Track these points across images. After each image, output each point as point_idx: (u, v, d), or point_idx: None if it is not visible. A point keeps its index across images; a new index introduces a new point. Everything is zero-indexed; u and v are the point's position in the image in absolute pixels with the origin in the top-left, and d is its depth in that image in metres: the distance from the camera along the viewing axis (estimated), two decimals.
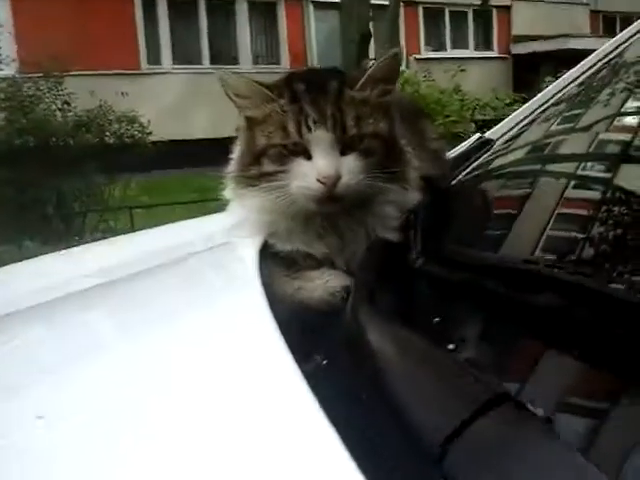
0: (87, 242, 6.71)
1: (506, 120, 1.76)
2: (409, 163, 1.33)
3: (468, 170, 1.55)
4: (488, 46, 18.66)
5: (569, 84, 1.65)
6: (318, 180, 1.18)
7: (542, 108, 1.64)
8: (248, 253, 1.25)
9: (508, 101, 12.49)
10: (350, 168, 1.20)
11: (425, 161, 1.37)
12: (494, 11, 17.77)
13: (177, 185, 9.66)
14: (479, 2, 14.39)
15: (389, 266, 1.19)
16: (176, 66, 13.89)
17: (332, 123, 1.20)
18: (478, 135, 1.76)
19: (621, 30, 1.98)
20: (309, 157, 1.20)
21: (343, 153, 1.21)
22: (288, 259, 1.28)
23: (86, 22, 12.32)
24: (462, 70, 13.05)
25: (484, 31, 18.50)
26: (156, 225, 1.78)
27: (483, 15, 17.15)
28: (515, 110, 1.90)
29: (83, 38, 11.93)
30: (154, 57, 13.98)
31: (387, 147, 1.27)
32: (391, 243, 1.26)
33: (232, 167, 1.36)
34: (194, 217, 1.65)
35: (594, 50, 1.81)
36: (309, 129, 1.20)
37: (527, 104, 1.76)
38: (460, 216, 1.36)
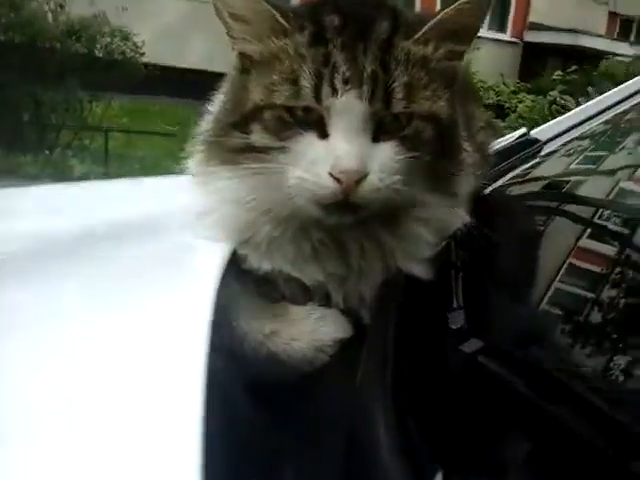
0: (57, 156, 6.52)
1: (554, 121, 1.58)
2: (466, 168, 0.94)
3: (515, 175, 1.31)
4: (502, 28, 18.26)
5: (626, 98, 1.49)
6: (332, 175, 0.80)
7: (599, 119, 1.48)
8: (206, 264, 0.85)
9: (513, 88, 12.25)
10: (383, 162, 0.81)
11: (473, 160, 0.99)
12: None
13: (161, 113, 9.33)
14: None
15: (417, 326, 0.83)
16: None
17: (370, 88, 0.80)
18: (522, 131, 1.52)
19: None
20: (324, 134, 0.81)
21: (377, 138, 0.82)
22: (263, 281, 0.90)
23: None
24: (477, 48, 12.73)
25: (501, 12, 18.07)
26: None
27: None
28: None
29: None
30: None
31: (442, 140, 0.87)
32: (419, 283, 0.89)
33: (206, 126, 0.95)
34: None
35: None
36: (333, 91, 0.80)
37: (578, 109, 1.61)
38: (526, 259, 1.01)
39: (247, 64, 0.88)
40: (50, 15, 7.64)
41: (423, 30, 0.85)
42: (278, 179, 0.83)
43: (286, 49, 0.83)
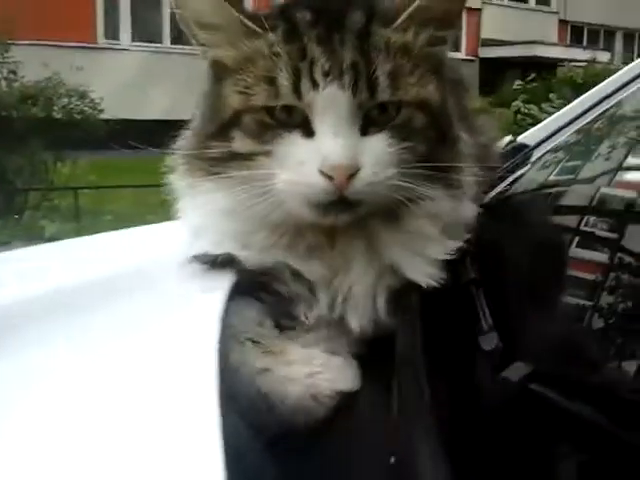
0: (27, 219, 6.43)
1: (541, 125, 1.53)
2: (466, 157, 0.88)
3: (510, 182, 1.27)
4: (456, 47, 18.58)
5: (610, 94, 1.44)
6: (322, 172, 0.75)
7: (585, 119, 1.43)
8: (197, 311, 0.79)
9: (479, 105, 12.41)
10: (376, 155, 0.77)
11: (474, 152, 0.92)
12: (464, 13, 17.68)
13: (128, 166, 9.28)
14: None
15: (445, 346, 0.76)
16: (135, 43, 13.39)
17: (353, 78, 0.76)
18: (509, 138, 1.48)
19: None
20: (310, 133, 0.77)
21: (365, 131, 0.78)
22: (265, 290, 0.83)
23: None
24: None
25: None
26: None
27: None
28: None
29: (38, 7, 11.40)
30: (112, 32, 13.43)
31: (436, 127, 0.83)
32: (435, 296, 0.81)
33: (185, 141, 0.90)
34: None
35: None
36: (314, 85, 0.76)
37: (563, 110, 1.55)
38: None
39: (221, 72, 0.84)
40: (3, 83, 7.61)
41: (402, 17, 0.81)
42: (266, 185, 0.78)
43: (260, 50, 0.80)
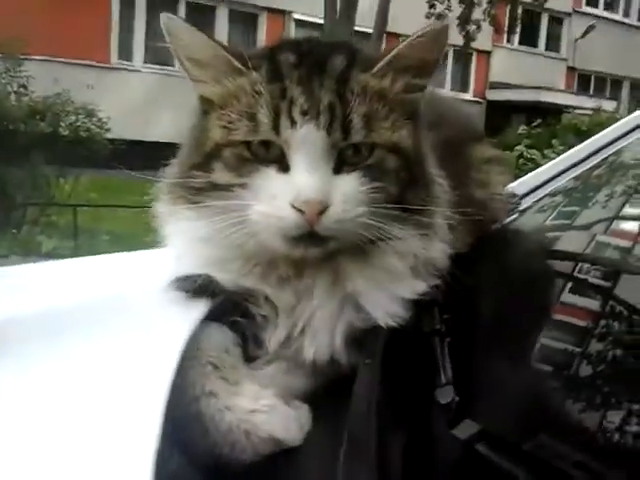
0: (25, 234, 6.43)
1: (529, 176, 1.57)
2: (439, 200, 0.91)
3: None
4: (464, 88, 18.76)
5: (598, 150, 1.49)
6: (294, 206, 0.78)
7: (574, 172, 1.47)
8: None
9: None
10: (347, 194, 0.80)
11: (450, 197, 0.94)
12: (474, 54, 17.87)
13: (129, 187, 9.32)
14: (461, 43, 14.41)
15: (402, 392, 0.76)
16: (147, 65, 13.52)
17: (328, 119, 0.80)
18: None
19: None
20: (285, 168, 0.81)
21: (339, 169, 0.81)
22: (238, 312, 0.85)
23: (60, 8, 11.93)
24: None
25: (462, 72, 18.60)
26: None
27: (463, 56, 17.23)
28: None
29: (54, 24, 11.55)
30: (126, 53, 13.58)
31: (408, 170, 0.86)
32: (398, 342, 0.82)
33: (171, 169, 0.94)
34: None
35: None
36: (292, 123, 0.79)
37: (551, 162, 1.59)
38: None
39: (207, 106, 0.88)
40: (13, 96, 7.67)
41: (380, 64, 0.86)
42: (241, 215, 0.82)
43: (243, 88, 0.84)
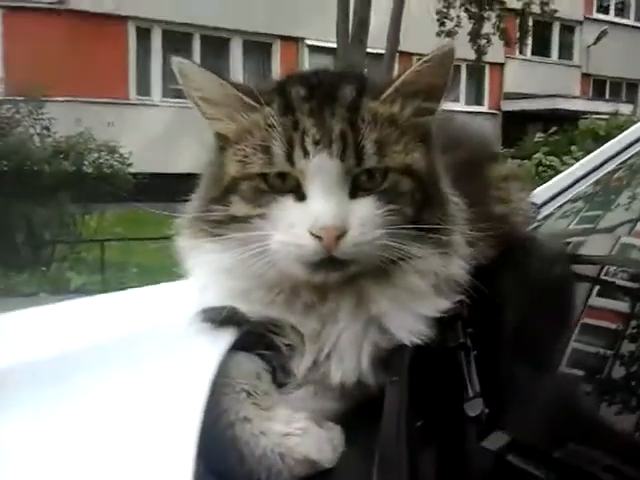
0: (54, 271, 6.50)
1: (549, 184, 1.56)
2: (455, 219, 0.93)
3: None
4: (479, 101, 18.74)
5: (617, 154, 1.48)
6: (312, 233, 0.80)
7: (592, 178, 1.46)
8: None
9: None
10: (363, 218, 0.82)
11: (465, 215, 0.95)
12: (487, 67, 17.88)
13: (154, 219, 9.43)
14: (473, 58, 14.46)
15: (431, 409, 0.77)
16: (165, 99, 13.73)
17: (341, 147, 0.82)
18: None
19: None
20: (302, 197, 0.83)
21: (354, 195, 0.83)
22: (264, 343, 0.88)
23: (78, 49, 12.17)
24: None
25: (476, 86, 18.60)
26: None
27: (476, 70, 17.25)
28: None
29: (73, 64, 11.79)
30: (144, 88, 13.79)
31: (422, 191, 0.88)
32: (424, 359, 0.83)
33: (190, 204, 0.96)
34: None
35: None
36: (305, 153, 0.82)
37: (570, 169, 1.59)
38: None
39: (223, 142, 0.91)
40: (37, 138, 7.83)
41: (389, 91, 0.88)
42: (261, 245, 0.83)
43: (257, 123, 0.86)
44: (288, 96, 0.88)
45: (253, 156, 0.85)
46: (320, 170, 0.82)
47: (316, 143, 0.82)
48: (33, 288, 6.63)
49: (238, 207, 0.86)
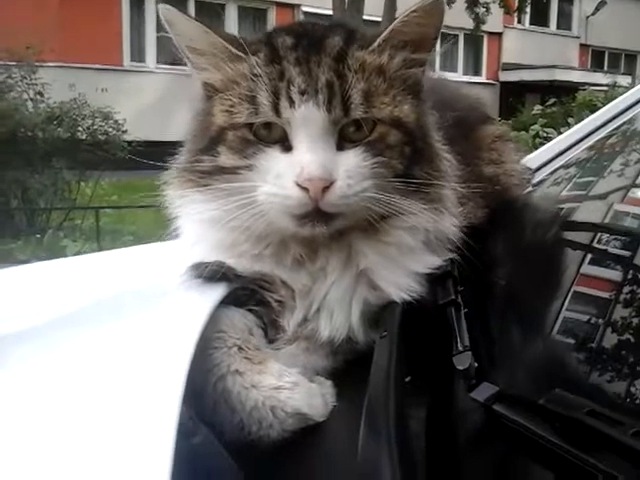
0: (49, 239, 6.49)
1: (542, 149, 1.57)
2: (446, 175, 0.92)
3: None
4: (477, 71, 18.61)
5: (612, 119, 1.47)
6: (298, 184, 0.80)
7: (586, 143, 1.45)
8: None
9: None
10: (350, 168, 0.82)
11: (458, 172, 0.95)
12: (485, 37, 17.71)
13: (150, 187, 9.39)
14: (471, 27, 14.29)
15: (421, 363, 0.78)
16: (160, 65, 13.57)
17: (327, 96, 0.81)
18: None
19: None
20: (288, 148, 0.82)
21: (341, 146, 0.83)
22: (255, 299, 0.88)
23: (71, 14, 12.00)
24: None
25: (474, 56, 18.45)
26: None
27: (474, 40, 17.08)
28: None
29: (66, 30, 11.65)
30: (138, 55, 13.64)
31: (412, 144, 0.87)
32: (414, 315, 0.84)
33: (180, 156, 0.96)
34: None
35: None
36: (291, 103, 0.81)
37: (565, 134, 1.59)
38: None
39: (210, 92, 0.90)
40: (30, 104, 7.73)
41: (377, 41, 0.87)
42: (249, 197, 0.83)
43: (242, 72, 0.86)
44: (274, 46, 0.87)
45: (239, 106, 0.85)
46: (306, 120, 0.81)
47: (302, 93, 0.81)
48: (28, 255, 6.61)
49: (225, 157, 0.86)
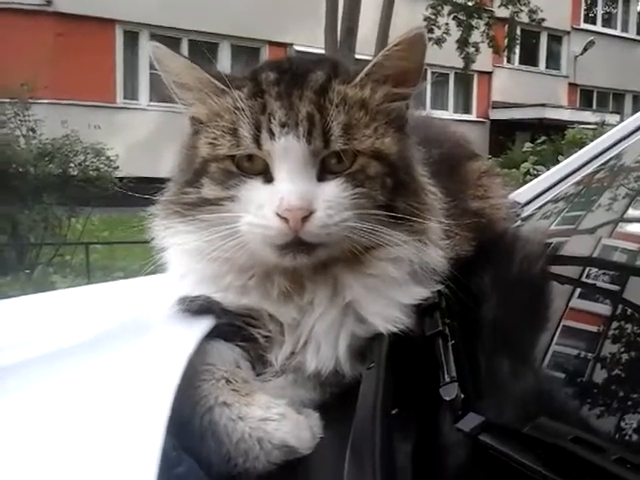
0: (38, 274, 6.46)
1: (532, 184, 1.59)
2: (432, 208, 0.92)
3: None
4: (467, 109, 18.84)
5: (600, 154, 1.49)
6: (278, 214, 0.80)
7: (575, 178, 1.47)
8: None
9: None
10: (330, 200, 0.82)
11: (444, 206, 0.95)
12: (475, 76, 17.97)
13: (140, 223, 9.38)
14: (461, 66, 14.51)
15: (408, 396, 0.78)
16: (152, 103, 13.67)
17: (307, 128, 0.82)
18: None
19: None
20: (269, 179, 0.83)
21: (322, 177, 0.83)
22: (242, 334, 0.88)
23: (65, 51, 12.14)
24: None
25: (464, 94, 18.70)
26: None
27: (464, 79, 17.32)
28: None
29: (60, 67, 11.77)
30: (131, 92, 13.76)
31: (394, 176, 0.87)
32: (402, 347, 0.83)
33: (166, 189, 0.97)
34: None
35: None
36: (271, 135, 0.82)
37: (554, 169, 1.60)
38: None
39: (196, 126, 0.92)
40: (22, 140, 7.75)
41: (360, 75, 0.88)
42: (232, 227, 0.84)
43: (226, 106, 0.87)
44: (258, 81, 0.89)
45: (222, 138, 0.86)
46: (286, 152, 0.82)
47: (282, 125, 0.82)
48: (17, 291, 6.56)
49: (208, 189, 0.87)
